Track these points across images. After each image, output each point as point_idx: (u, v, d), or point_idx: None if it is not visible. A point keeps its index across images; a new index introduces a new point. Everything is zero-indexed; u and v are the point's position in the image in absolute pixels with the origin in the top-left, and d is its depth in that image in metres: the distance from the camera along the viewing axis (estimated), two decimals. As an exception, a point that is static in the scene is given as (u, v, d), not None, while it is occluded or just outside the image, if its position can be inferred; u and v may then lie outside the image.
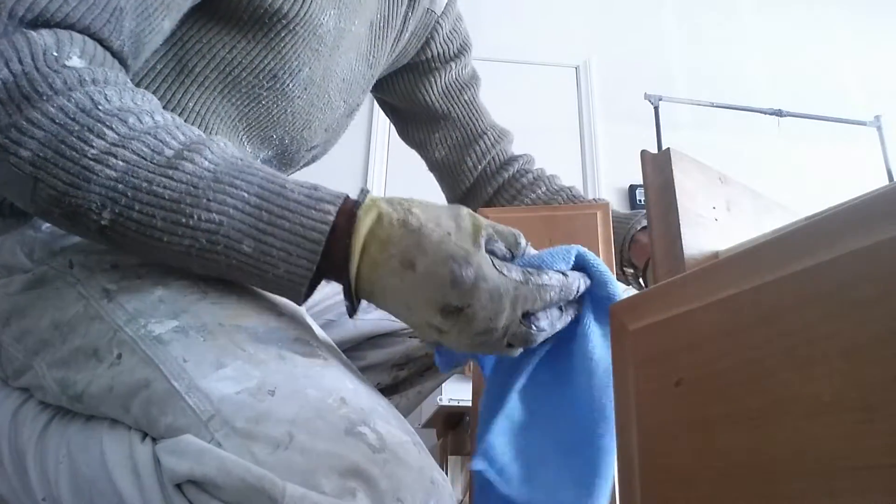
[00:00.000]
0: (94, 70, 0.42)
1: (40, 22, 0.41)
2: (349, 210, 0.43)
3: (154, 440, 0.40)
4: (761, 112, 2.37)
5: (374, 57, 0.75)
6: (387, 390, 0.81)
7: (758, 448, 0.26)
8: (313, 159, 0.78)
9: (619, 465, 0.35)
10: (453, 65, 0.90)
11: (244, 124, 0.61)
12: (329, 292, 0.78)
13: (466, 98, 0.92)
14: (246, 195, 0.41)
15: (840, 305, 0.24)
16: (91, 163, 0.40)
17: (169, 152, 0.42)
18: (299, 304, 0.46)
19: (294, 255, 0.41)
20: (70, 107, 0.40)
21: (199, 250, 0.41)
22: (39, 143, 0.39)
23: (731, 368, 0.28)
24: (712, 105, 2.37)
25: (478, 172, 0.92)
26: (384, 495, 0.36)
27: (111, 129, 0.41)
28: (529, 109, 2.42)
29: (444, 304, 0.40)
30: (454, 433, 1.68)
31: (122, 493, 0.38)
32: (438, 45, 0.87)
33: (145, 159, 0.41)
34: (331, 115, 0.71)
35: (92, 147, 0.40)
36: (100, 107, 0.41)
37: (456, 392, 1.54)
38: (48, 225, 0.53)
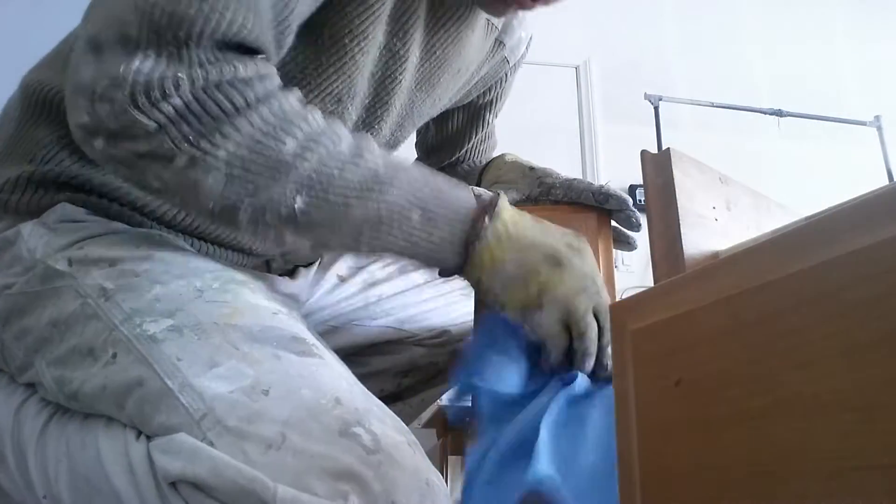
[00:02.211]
0: (271, 80, 0.47)
1: (224, 42, 0.44)
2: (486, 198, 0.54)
3: (148, 438, 0.40)
4: (761, 112, 2.37)
5: (440, 99, 0.74)
6: (390, 398, 0.81)
7: (758, 448, 0.26)
8: None
9: (620, 465, 0.34)
10: (492, 118, 0.90)
11: None
12: (332, 299, 0.78)
13: (483, 147, 0.92)
14: (413, 177, 0.50)
15: (840, 305, 0.24)
16: (289, 158, 0.45)
17: (345, 146, 0.48)
18: (449, 275, 0.53)
19: (452, 215, 0.51)
20: (259, 116, 0.44)
21: (375, 222, 0.48)
22: (236, 144, 0.43)
23: (731, 368, 0.28)
24: (712, 105, 2.37)
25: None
26: (377, 498, 0.36)
27: (299, 129, 0.46)
28: (529, 109, 2.42)
29: (568, 241, 0.53)
30: (454, 433, 1.68)
31: (118, 492, 0.38)
32: (496, 94, 0.87)
33: (331, 154, 0.47)
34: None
35: (286, 145, 0.45)
36: (285, 109, 0.46)
37: (456, 392, 1.53)
38: (51, 223, 0.53)
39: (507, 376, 0.51)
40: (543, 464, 0.45)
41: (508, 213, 0.53)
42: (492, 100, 0.88)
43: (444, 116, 0.88)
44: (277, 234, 0.46)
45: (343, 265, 0.82)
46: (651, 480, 0.32)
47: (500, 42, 0.78)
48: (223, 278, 0.48)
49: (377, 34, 0.58)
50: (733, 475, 0.27)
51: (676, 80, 2.69)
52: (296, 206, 0.45)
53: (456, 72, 0.71)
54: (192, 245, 0.59)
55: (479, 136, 0.90)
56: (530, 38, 0.85)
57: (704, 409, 0.29)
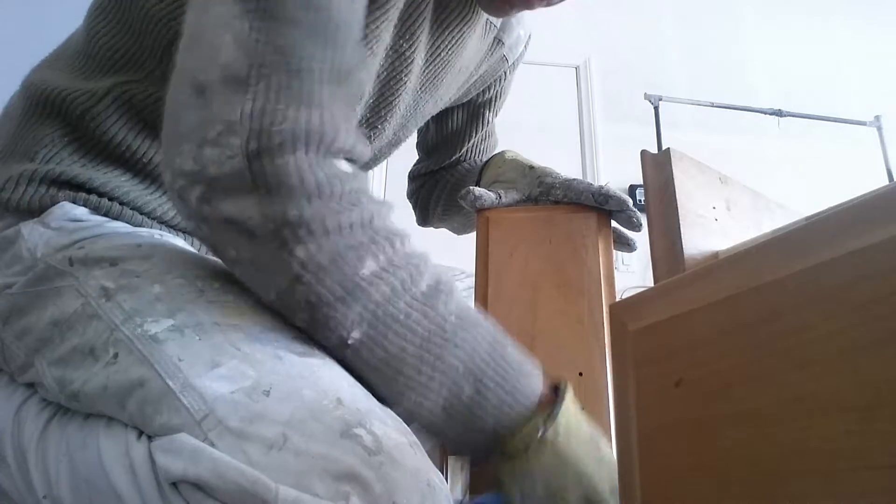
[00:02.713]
0: (361, 178, 0.44)
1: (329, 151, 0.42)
2: (550, 384, 0.48)
3: (150, 438, 0.40)
4: (761, 112, 2.37)
5: (441, 100, 0.74)
6: None
7: (758, 448, 0.26)
8: None
9: (620, 465, 0.35)
10: (492, 117, 0.89)
11: None
12: None
13: (484, 146, 0.92)
14: (480, 350, 0.45)
15: (840, 305, 0.24)
16: (362, 283, 0.42)
17: (423, 287, 0.44)
18: (481, 462, 0.48)
19: (506, 408, 0.45)
20: (355, 218, 0.42)
21: (420, 384, 0.44)
22: (318, 245, 0.40)
23: (731, 368, 0.28)
24: (712, 105, 2.37)
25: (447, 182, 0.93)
26: (378, 499, 0.36)
27: (383, 252, 0.43)
28: (529, 109, 2.42)
29: (596, 492, 0.44)
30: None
31: (119, 492, 0.38)
32: (496, 92, 0.87)
33: (405, 290, 0.43)
34: (377, 142, 0.71)
35: (365, 267, 0.42)
36: (374, 225, 0.43)
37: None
38: (51, 222, 0.53)
39: None
40: None
41: (566, 421, 0.46)
42: (491, 98, 0.88)
43: (444, 115, 0.88)
44: (324, 344, 0.44)
45: None
46: (651, 480, 0.32)
47: (499, 40, 0.78)
48: (224, 279, 0.48)
49: (385, 35, 0.58)
50: (733, 475, 0.27)
51: (676, 80, 2.69)
52: (350, 338, 0.42)
53: (457, 71, 0.71)
54: (192, 244, 0.60)
55: (480, 134, 0.90)
56: (529, 37, 0.85)
57: (704, 409, 0.29)
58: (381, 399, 0.43)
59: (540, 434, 0.45)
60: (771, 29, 2.91)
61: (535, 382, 0.47)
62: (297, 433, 0.37)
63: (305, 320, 0.43)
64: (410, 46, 0.61)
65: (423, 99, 0.70)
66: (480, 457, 0.47)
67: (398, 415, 0.42)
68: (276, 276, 0.42)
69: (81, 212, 0.55)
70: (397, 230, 0.45)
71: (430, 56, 0.65)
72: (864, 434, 0.22)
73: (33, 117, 0.58)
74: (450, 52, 0.67)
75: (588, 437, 0.47)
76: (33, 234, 0.52)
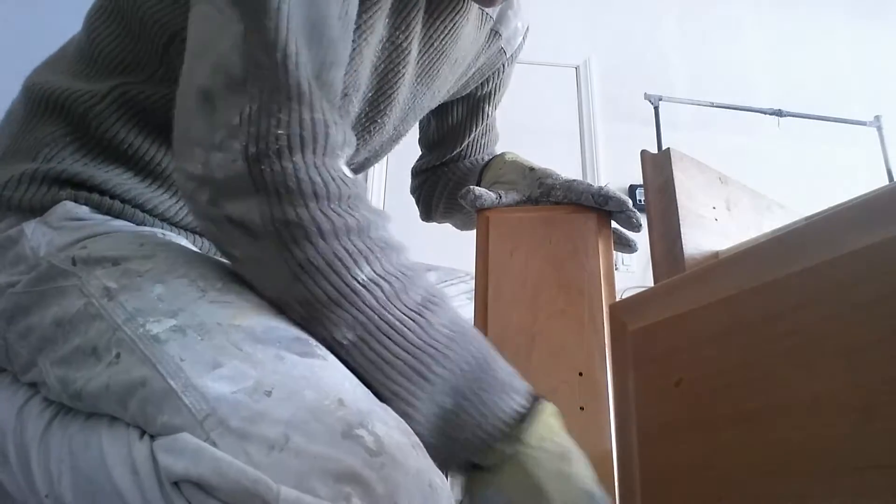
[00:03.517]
0: (359, 183, 0.45)
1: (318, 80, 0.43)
2: (535, 400, 0.48)
3: (152, 438, 0.40)
4: (761, 112, 2.37)
5: (439, 91, 0.74)
6: None
7: (758, 448, 0.26)
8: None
9: (619, 465, 0.35)
10: (492, 110, 0.89)
11: None
12: None
13: (484, 140, 0.92)
14: (467, 363, 0.46)
15: (840, 305, 0.24)
16: (359, 287, 0.43)
17: (416, 297, 0.45)
18: (460, 474, 0.48)
19: (484, 423, 0.45)
20: (353, 224, 0.43)
21: (412, 393, 0.44)
22: (316, 250, 0.42)
23: (731, 368, 0.28)
24: (712, 105, 2.37)
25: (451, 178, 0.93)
26: (380, 500, 0.36)
27: (377, 259, 0.44)
28: (529, 109, 2.42)
29: (574, 499, 0.43)
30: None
31: (121, 491, 0.38)
32: (495, 85, 0.87)
33: (399, 299, 0.44)
34: (378, 137, 0.71)
35: (361, 272, 0.43)
36: (371, 233, 0.44)
37: None
38: (53, 222, 0.53)
39: None
40: None
41: (538, 438, 0.46)
42: (490, 91, 0.88)
43: (445, 110, 0.88)
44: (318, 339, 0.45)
45: None
46: (651, 480, 0.32)
47: (496, 32, 0.78)
48: (226, 279, 0.48)
49: (378, 26, 0.58)
50: (733, 475, 0.27)
51: (676, 80, 2.69)
52: (344, 339, 0.43)
53: (453, 62, 0.71)
54: (194, 242, 0.60)
55: (480, 128, 0.90)
56: (527, 29, 0.85)
57: (704, 409, 0.29)
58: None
59: (508, 451, 0.45)
60: (771, 29, 2.91)
61: (517, 400, 0.47)
62: (298, 433, 0.37)
63: (303, 316, 0.44)
64: (406, 38, 0.61)
65: (420, 91, 0.70)
66: (457, 468, 0.47)
67: None
68: (276, 276, 0.43)
69: (83, 211, 0.55)
70: (394, 242, 0.46)
71: (425, 46, 0.65)
72: (864, 434, 0.22)
73: (35, 117, 0.58)
74: (444, 42, 0.67)
75: (559, 455, 0.46)
76: (36, 234, 0.52)
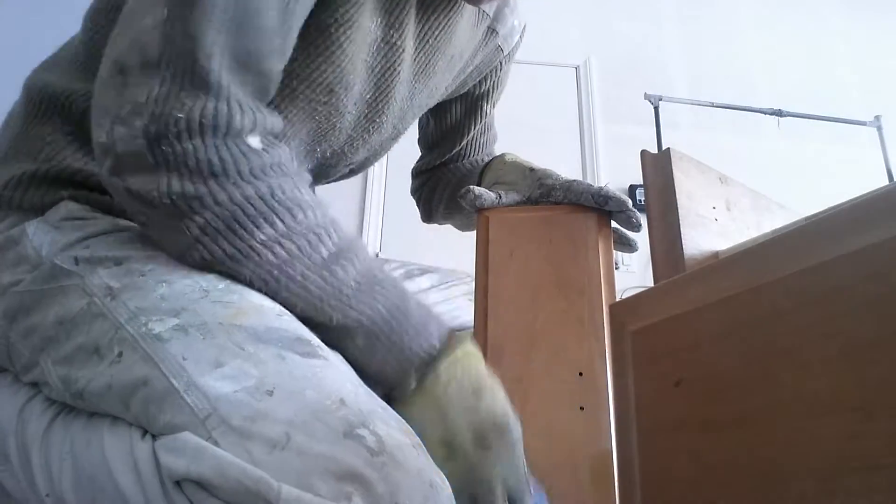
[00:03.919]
0: (272, 154, 0.47)
1: (237, 62, 0.45)
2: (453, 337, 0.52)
3: (154, 437, 0.40)
4: (761, 112, 2.37)
5: (437, 88, 0.74)
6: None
7: (758, 448, 0.26)
8: (350, 173, 0.78)
9: (619, 465, 0.35)
10: (490, 109, 0.90)
11: (296, 140, 0.61)
12: None
13: (483, 139, 0.92)
14: (378, 312, 0.49)
15: (840, 305, 0.24)
16: (258, 246, 0.45)
17: (324, 253, 0.47)
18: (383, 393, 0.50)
19: (398, 367, 0.49)
20: (251, 192, 0.45)
21: (323, 326, 0.47)
22: (214, 214, 0.44)
23: (731, 368, 0.28)
24: (712, 105, 2.37)
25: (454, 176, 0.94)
26: (381, 499, 0.36)
27: (281, 220, 0.46)
28: (529, 109, 2.42)
29: (481, 429, 0.47)
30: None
31: (123, 491, 0.38)
32: (492, 83, 0.87)
33: (304, 255, 0.46)
34: (377, 136, 0.71)
35: (262, 233, 0.45)
36: (275, 197, 0.46)
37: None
38: (55, 221, 0.53)
39: None
40: None
41: (447, 371, 0.49)
42: (488, 89, 0.88)
43: (443, 109, 0.89)
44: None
45: None
46: (651, 480, 0.32)
47: (493, 30, 0.78)
48: (229, 279, 0.49)
49: (363, 21, 0.58)
50: (733, 475, 0.27)
51: (676, 80, 2.70)
52: (256, 287, 0.46)
53: (449, 59, 0.71)
54: None
55: (479, 127, 0.90)
56: (524, 27, 0.85)
57: (704, 409, 0.29)
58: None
59: (418, 386, 0.49)
60: (771, 29, 2.91)
61: (429, 341, 0.50)
62: (299, 433, 0.37)
63: (221, 270, 0.46)
64: (400, 36, 0.61)
65: (417, 89, 0.70)
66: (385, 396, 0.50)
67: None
68: (177, 241, 0.45)
69: (84, 209, 0.55)
70: (304, 201, 0.48)
71: (420, 43, 0.65)
72: (864, 434, 0.22)
73: (35, 118, 0.58)
74: (438, 39, 0.67)
75: (471, 388, 0.50)
76: (38, 234, 0.52)
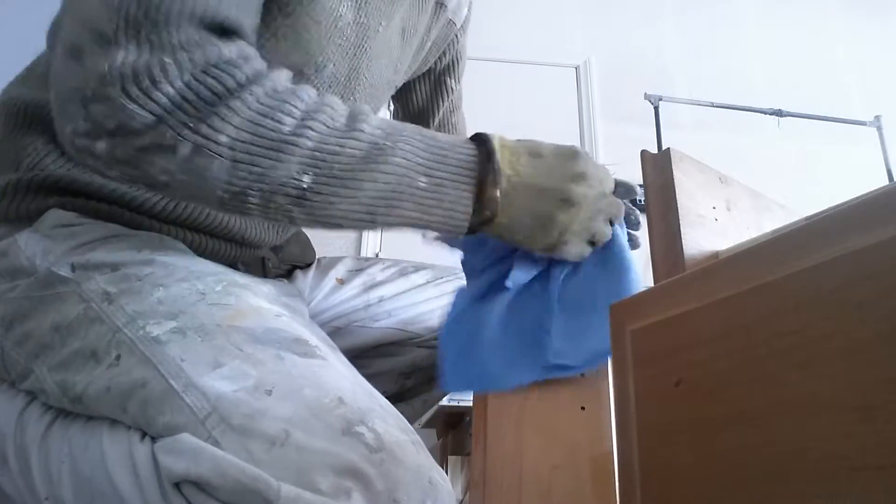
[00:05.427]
0: (251, 62, 0.47)
1: (203, 23, 0.45)
2: (485, 141, 0.53)
3: (153, 439, 0.40)
4: (761, 112, 2.37)
5: (400, 63, 0.75)
6: (392, 399, 0.81)
7: (758, 448, 0.26)
8: None
9: (619, 465, 0.35)
10: (454, 84, 0.91)
11: None
12: (332, 302, 0.78)
13: (454, 119, 0.93)
14: (415, 144, 0.49)
15: (840, 305, 0.24)
16: (291, 137, 0.45)
17: (342, 121, 0.48)
18: (462, 234, 0.52)
19: (459, 179, 0.50)
20: (254, 97, 0.45)
21: (387, 193, 0.48)
22: (236, 128, 0.43)
23: (731, 368, 0.28)
24: (712, 105, 2.37)
25: None
26: (380, 495, 0.36)
27: (294, 106, 0.46)
28: (529, 109, 2.42)
29: (572, 172, 0.52)
30: (454, 433, 1.68)
31: (121, 493, 0.38)
32: (452, 57, 0.88)
33: (329, 128, 0.47)
34: None
35: (285, 125, 0.45)
36: (278, 91, 0.46)
37: (456, 392, 1.54)
38: (45, 230, 0.53)
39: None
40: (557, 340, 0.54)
41: (508, 162, 0.52)
42: (449, 63, 0.89)
43: (408, 90, 0.90)
44: (289, 216, 0.46)
45: (342, 268, 0.82)
46: (651, 480, 0.32)
47: (441, 4, 0.79)
48: (225, 281, 0.49)
49: (334, 2, 0.58)
50: (733, 475, 0.27)
51: (676, 80, 2.69)
52: (304, 185, 0.45)
53: (401, 31, 0.71)
54: (184, 238, 0.59)
55: (446, 104, 0.92)
56: (471, 1, 0.87)
57: (704, 409, 0.29)
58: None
59: (501, 185, 0.50)
60: (771, 29, 2.91)
61: (469, 150, 0.51)
62: (299, 430, 0.37)
63: (260, 198, 0.45)
64: (340, 2, 0.60)
65: (376, 64, 0.69)
66: (465, 230, 0.51)
67: (393, 224, 0.49)
68: (212, 173, 0.44)
69: (71, 216, 0.55)
70: (297, 87, 0.48)
71: (360, 4, 0.63)
72: (864, 434, 0.22)
73: (14, 130, 0.58)
74: (374, 4, 0.64)
75: (530, 162, 0.53)
76: (30, 244, 0.52)
